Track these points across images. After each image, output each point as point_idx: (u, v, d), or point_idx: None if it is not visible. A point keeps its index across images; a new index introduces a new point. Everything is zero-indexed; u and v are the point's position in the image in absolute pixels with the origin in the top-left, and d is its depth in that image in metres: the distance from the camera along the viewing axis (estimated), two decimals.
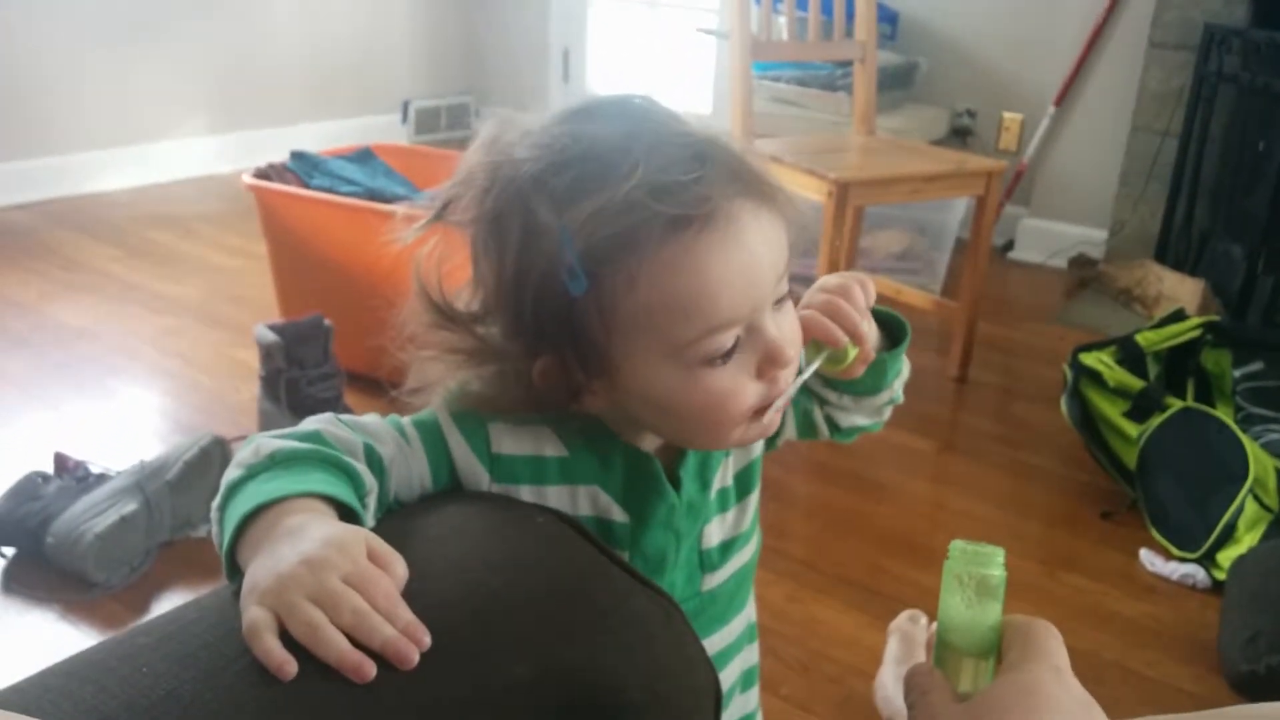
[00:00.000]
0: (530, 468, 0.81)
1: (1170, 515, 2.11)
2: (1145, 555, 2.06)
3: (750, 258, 0.73)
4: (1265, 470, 2.05)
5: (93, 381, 2.55)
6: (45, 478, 1.95)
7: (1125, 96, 3.54)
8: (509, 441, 0.80)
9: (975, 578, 0.68)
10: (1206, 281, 3.15)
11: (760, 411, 0.78)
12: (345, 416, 0.78)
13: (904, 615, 1.18)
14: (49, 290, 3.06)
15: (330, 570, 0.61)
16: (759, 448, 0.92)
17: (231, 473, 0.71)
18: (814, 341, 0.82)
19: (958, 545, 0.69)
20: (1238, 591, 1.84)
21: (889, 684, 1.13)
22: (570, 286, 0.71)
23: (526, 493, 0.80)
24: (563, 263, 0.71)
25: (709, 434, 0.79)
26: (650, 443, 0.84)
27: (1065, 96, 3.75)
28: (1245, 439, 2.07)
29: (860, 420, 0.96)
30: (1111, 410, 2.26)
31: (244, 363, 2.59)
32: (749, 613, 0.97)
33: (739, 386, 0.75)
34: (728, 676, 0.92)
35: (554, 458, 0.81)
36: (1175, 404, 2.18)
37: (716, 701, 0.75)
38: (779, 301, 0.77)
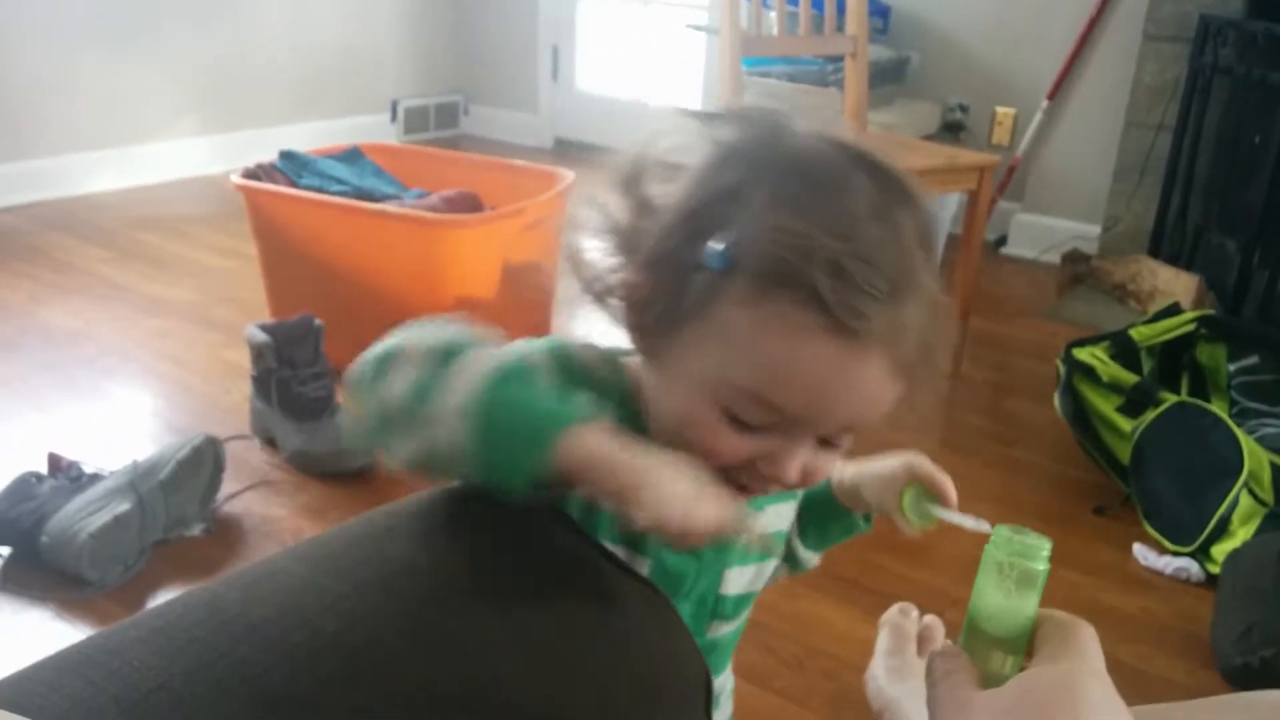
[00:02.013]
0: None
1: (1164, 509, 2.11)
2: (1139, 550, 2.06)
3: (837, 386, 0.70)
4: (1260, 464, 2.05)
5: (84, 383, 2.54)
6: (39, 478, 1.94)
7: (1119, 90, 3.55)
8: None
9: (1018, 568, 0.65)
10: (1201, 276, 3.15)
11: (741, 489, 0.76)
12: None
13: (895, 608, 1.17)
14: (39, 293, 3.05)
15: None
16: (786, 521, 0.94)
17: (477, 378, 0.69)
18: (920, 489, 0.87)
19: (1003, 531, 0.67)
20: (1231, 585, 1.85)
21: (880, 675, 1.13)
22: (708, 253, 0.69)
23: None
24: (728, 232, 0.69)
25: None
26: None
27: (1059, 90, 3.75)
28: (1240, 433, 2.07)
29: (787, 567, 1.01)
30: (1105, 405, 2.25)
31: (235, 363, 2.58)
32: (726, 680, 0.98)
33: (730, 450, 0.73)
34: None
35: None
36: (1169, 398, 2.18)
37: (707, 694, 0.75)
38: (831, 443, 0.75)
